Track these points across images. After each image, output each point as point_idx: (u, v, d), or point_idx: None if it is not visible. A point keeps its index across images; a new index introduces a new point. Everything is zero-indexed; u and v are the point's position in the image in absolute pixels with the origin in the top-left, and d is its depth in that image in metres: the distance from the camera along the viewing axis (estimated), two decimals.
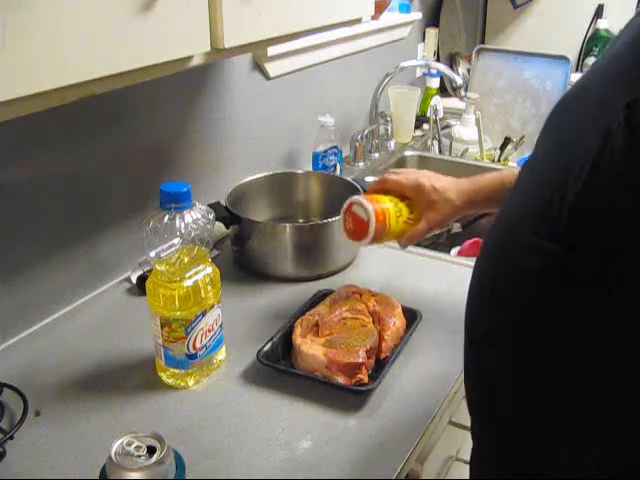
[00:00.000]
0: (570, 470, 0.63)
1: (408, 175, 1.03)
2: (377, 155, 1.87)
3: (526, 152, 1.90)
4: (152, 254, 0.87)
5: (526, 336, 0.63)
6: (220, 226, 1.21)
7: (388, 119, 1.91)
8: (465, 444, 1.17)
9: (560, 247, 0.57)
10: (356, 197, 0.99)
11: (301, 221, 1.40)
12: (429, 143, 2.01)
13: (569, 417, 0.61)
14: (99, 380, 0.95)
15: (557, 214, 0.57)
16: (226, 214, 1.20)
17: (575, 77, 1.90)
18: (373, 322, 1.01)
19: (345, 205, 1.00)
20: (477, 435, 0.74)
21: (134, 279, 1.17)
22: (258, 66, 1.45)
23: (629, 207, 0.53)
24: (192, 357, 0.92)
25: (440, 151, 1.99)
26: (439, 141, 1.99)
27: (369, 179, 1.71)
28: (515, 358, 0.65)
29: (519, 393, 0.65)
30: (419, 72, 2.25)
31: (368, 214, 0.96)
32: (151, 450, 0.68)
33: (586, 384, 0.59)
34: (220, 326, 0.96)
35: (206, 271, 0.91)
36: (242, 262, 1.26)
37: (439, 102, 2.05)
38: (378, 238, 0.98)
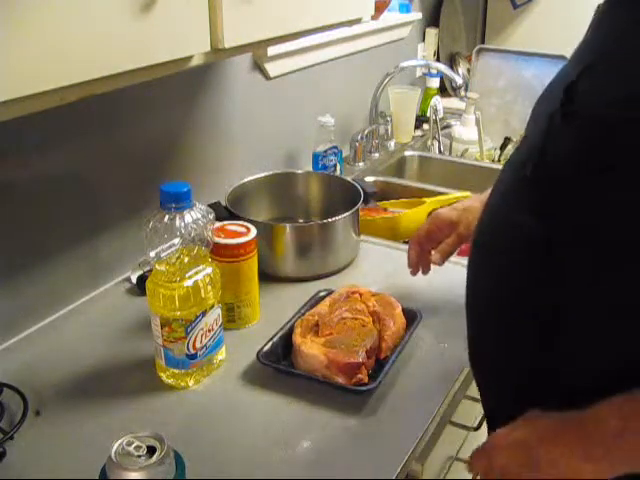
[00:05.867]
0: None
1: None
2: (377, 155, 1.87)
3: None
4: (152, 254, 0.87)
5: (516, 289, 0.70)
6: None
7: (388, 119, 1.91)
8: (465, 444, 1.17)
9: (529, 218, 0.66)
10: None
11: (301, 221, 1.40)
12: (429, 143, 2.01)
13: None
14: (99, 380, 0.95)
15: (520, 193, 0.67)
16: (226, 214, 1.20)
17: None
18: (373, 322, 1.01)
19: None
20: (483, 402, 0.81)
21: (134, 279, 1.17)
22: (258, 66, 1.45)
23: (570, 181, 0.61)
24: (192, 357, 0.92)
25: (440, 151, 1.99)
26: (439, 141, 1.99)
27: (369, 179, 1.72)
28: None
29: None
30: (419, 72, 2.25)
31: None
32: (151, 450, 0.68)
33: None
34: (220, 326, 0.96)
35: (206, 271, 0.91)
36: None
37: (439, 102, 2.05)
38: None
